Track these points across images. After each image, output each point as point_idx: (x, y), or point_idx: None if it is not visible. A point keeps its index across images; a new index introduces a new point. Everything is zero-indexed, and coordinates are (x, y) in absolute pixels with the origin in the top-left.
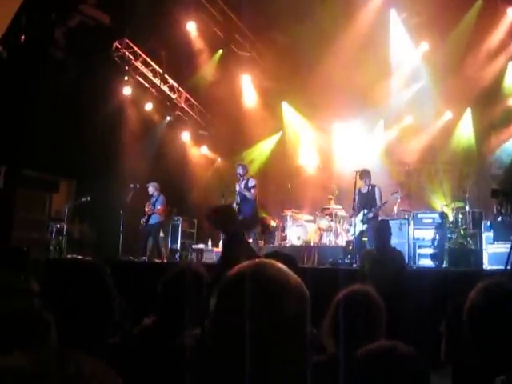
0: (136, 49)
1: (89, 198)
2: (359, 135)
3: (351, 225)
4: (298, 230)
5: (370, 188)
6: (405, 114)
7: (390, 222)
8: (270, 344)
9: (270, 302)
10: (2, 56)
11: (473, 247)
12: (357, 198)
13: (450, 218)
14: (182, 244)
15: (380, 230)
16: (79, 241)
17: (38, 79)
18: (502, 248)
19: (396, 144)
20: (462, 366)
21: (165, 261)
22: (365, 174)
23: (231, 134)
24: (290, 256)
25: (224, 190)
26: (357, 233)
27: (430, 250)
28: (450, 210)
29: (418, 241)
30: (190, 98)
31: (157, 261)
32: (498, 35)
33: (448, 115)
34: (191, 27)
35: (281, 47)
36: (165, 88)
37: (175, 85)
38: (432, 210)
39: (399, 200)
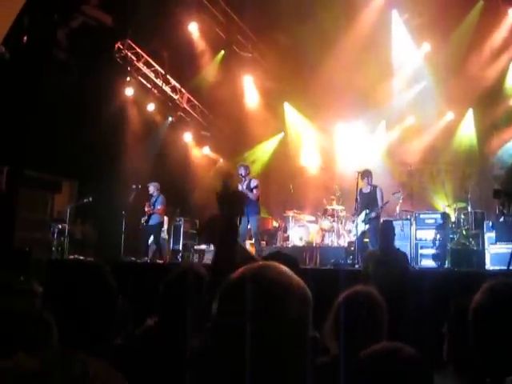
0: (138, 49)
1: (91, 199)
2: (361, 136)
3: (353, 225)
4: (300, 231)
5: (372, 188)
6: (407, 114)
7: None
8: (272, 346)
9: (272, 305)
10: (4, 57)
11: (475, 248)
12: (358, 198)
13: (452, 219)
14: (183, 245)
15: (384, 231)
16: (81, 241)
17: (41, 80)
18: (504, 248)
19: (398, 144)
20: (464, 367)
21: (167, 261)
22: (366, 174)
23: (233, 135)
24: (291, 256)
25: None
26: (358, 233)
27: (432, 251)
28: (452, 210)
29: (420, 241)
30: (192, 98)
31: (159, 261)
32: (499, 35)
33: (450, 116)
34: (193, 28)
35: (283, 48)
36: (167, 89)
37: (177, 85)
38: (434, 210)
39: (401, 200)
